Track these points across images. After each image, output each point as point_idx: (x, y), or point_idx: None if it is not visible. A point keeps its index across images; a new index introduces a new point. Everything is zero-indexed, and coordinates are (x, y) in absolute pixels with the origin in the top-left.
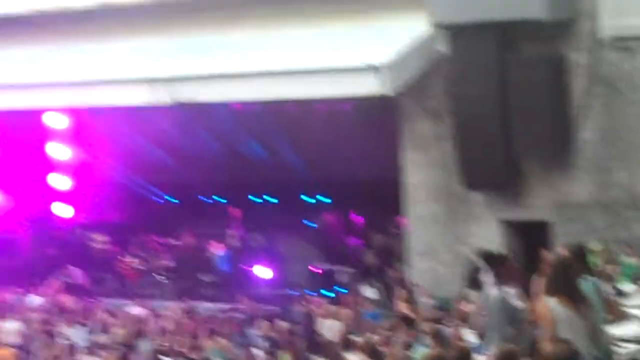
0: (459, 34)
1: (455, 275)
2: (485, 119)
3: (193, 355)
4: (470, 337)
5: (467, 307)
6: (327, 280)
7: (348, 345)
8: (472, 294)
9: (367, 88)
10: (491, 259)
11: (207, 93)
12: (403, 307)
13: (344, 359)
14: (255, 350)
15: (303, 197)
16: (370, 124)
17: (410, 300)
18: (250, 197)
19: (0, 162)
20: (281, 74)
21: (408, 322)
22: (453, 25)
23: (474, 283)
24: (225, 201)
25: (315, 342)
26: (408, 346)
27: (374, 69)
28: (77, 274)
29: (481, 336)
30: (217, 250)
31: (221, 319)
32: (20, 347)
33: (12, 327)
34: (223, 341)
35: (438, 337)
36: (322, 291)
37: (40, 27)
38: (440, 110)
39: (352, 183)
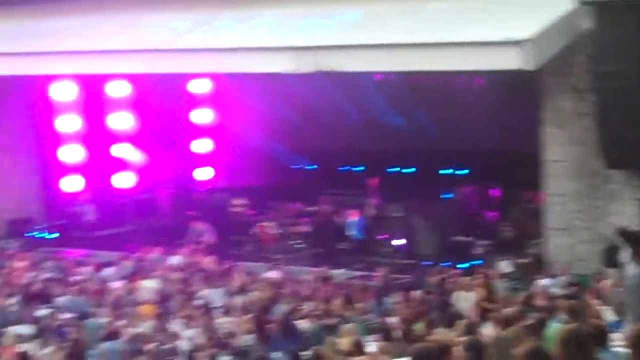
0: (603, 10)
1: (593, 252)
2: (627, 96)
3: (327, 321)
4: (607, 314)
5: (604, 285)
6: (462, 252)
7: (482, 317)
8: (610, 272)
9: (509, 62)
10: (630, 237)
11: (350, 62)
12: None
13: (479, 331)
14: (390, 320)
15: (440, 168)
16: (511, 98)
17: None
18: (387, 167)
19: (145, 126)
20: (423, 46)
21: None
22: (597, 1)
23: (612, 261)
24: (362, 170)
25: (449, 314)
26: (542, 321)
27: (516, 43)
28: (211, 235)
29: (618, 313)
30: (352, 218)
31: (357, 286)
32: (158, 305)
33: (151, 285)
34: (360, 308)
35: (573, 313)
36: (457, 263)
37: None
38: (582, 87)
39: (490, 156)
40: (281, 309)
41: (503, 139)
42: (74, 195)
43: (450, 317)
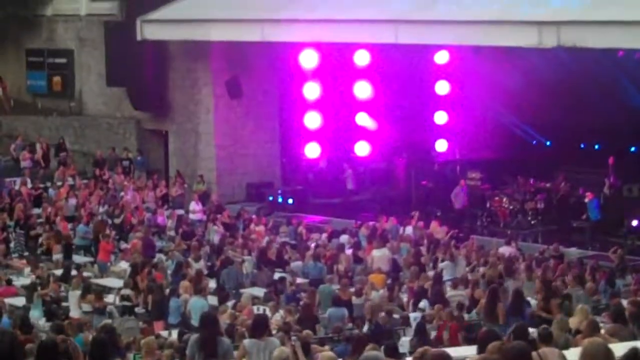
0: None
1: None
2: None
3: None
4: None
5: None
6: None
7: None
8: None
9: None
10: None
11: (592, 38)
12: None
13: None
14: (623, 301)
15: None
16: None
17: None
18: (627, 146)
19: (386, 96)
20: None
21: None
22: None
23: None
24: (600, 148)
25: None
26: None
27: None
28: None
29: None
30: (588, 197)
31: (589, 266)
32: (388, 275)
33: (384, 254)
34: (590, 287)
35: None
36: None
37: None
38: None
39: None
40: (514, 284)
41: None
42: (313, 162)
43: None
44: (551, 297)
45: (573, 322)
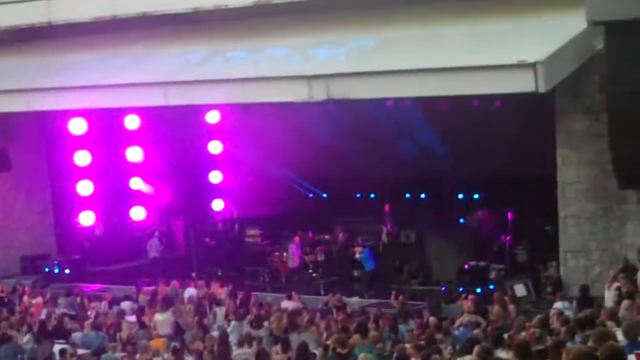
0: (615, 30)
1: (609, 274)
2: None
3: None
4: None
5: (619, 307)
6: (477, 276)
7: (498, 342)
8: None
9: (522, 85)
10: None
11: (361, 90)
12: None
13: (495, 356)
14: (405, 346)
15: (454, 193)
16: (524, 120)
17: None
18: (400, 193)
19: (159, 159)
20: (435, 71)
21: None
22: (609, 22)
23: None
24: (375, 197)
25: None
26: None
27: (529, 66)
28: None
29: (632, 336)
30: (358, 251)
31: (372, 314)
32: (172, 338)
33: (165, 318)
34: (373, 336)
35: (601, 337)
36: (473, 287)
37: (197, 24)
38: (595, 108)
39: (504, 179)
40: (298, 339)
41: (518, 161)
42: (88, 230)
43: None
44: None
45: None
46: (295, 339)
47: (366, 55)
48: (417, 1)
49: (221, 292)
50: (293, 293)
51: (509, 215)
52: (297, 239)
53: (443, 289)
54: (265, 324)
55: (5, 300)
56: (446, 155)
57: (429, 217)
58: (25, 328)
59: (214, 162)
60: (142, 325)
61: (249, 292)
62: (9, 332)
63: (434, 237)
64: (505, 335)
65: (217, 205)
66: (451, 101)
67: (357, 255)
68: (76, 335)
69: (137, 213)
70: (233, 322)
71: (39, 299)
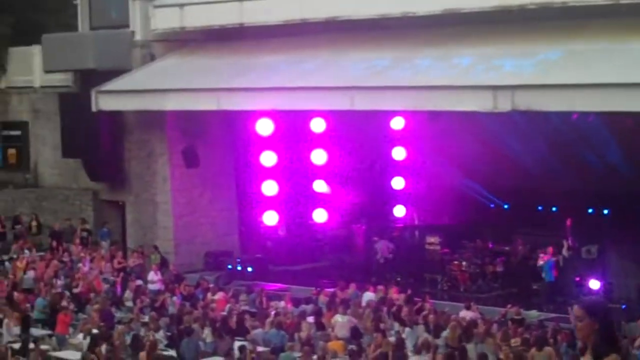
0: None
1: None
2: None
3: None
4: None
5: None
6: None
7: None
8: None
9: None
10: None
11: (546, 102)
12: None
13: None
14: None
15: (639, 210)
16: None
17: None
18: (583, 207)
19: (342, 163)
20: (621, 86)
21: None
22: None
23: None
24: (557, 210)
25: None
26: None
27: None
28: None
29: None
30: (543, 259)
31: (550, 328)
32: (349, 341)
33: (346, 321)
34: (549, 351)
35: None
36: None
37: (384, 31)
38: None
39: None
40: (474, 349)
41: None
42: (271, 230)
43: None
44: None
45: None
46: (471, 349)
47: (553, 67)
48: (607, 15)
49: (398, 297)
50: (472, 303)
51: None
52: None
53: (624, 306)
54: (443, 333)
55: (189, 294)
56: (630, 171)
57: (611, 233)
58: (207, 323)
59: (397, 168)
60: (320, 326)
61: (425, 299)
62: (192, 326)
63: (616, 253)
64: None
65: (399, 211)
66: (637, 117)
67: (540, 262)
68: (257, 333)
69: (320, 215)
70: (407, 329)
71: (221, 295)
